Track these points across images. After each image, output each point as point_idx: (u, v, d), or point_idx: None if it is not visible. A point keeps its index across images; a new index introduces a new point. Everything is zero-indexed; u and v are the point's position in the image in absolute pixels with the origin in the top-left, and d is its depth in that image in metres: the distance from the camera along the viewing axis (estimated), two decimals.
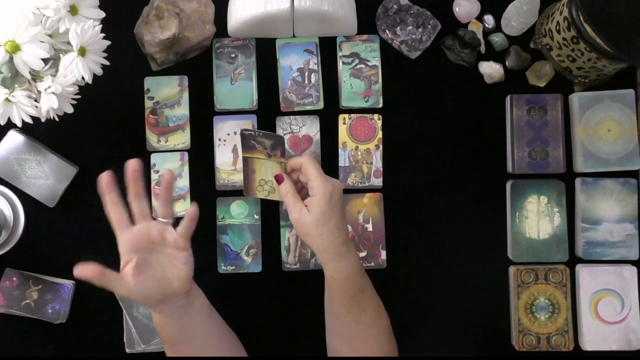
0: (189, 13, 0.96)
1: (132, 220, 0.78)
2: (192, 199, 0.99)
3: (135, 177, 0.78)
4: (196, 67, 1.00)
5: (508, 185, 0.99)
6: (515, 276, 0.97)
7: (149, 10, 0.95)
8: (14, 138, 0.96)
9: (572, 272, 0.98)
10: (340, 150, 1.00)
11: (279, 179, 0.86)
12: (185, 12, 0.96)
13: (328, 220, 0.81)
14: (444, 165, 1.00)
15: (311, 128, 1.00)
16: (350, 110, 1.00)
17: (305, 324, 0.99)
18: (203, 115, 1.00)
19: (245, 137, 0.89)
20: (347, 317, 0.83)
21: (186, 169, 0.99)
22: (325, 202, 0.80)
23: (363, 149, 1.00)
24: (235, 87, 1.00)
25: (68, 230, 0.98)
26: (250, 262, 0.99)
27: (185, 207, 0.99)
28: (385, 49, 1.00)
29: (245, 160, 0.90)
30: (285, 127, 1.00)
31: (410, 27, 0.98)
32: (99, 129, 0.99)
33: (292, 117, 1.00)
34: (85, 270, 0.74)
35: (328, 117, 1.00)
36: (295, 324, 0.99)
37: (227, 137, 0.99)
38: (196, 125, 1.00)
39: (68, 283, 0.96)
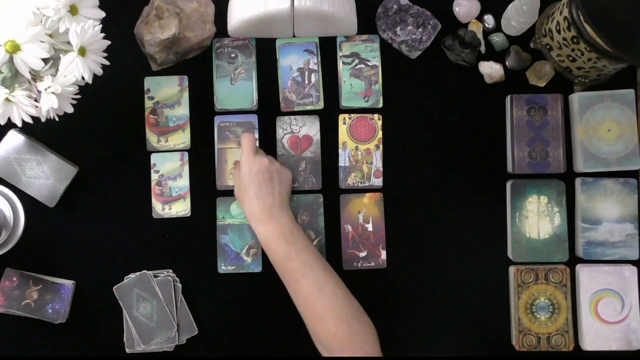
0: (189, 13, 0.96)
1: None
2: (192, 199, 0.99)
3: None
4: (196, 67, 1.00)
5: (508, 185, 0.99)
6: (515, 276, 0.97)
7: (149, 10, 0.95)
8: (14, 138, 0.96)
9: (572, 272, 0.98)
10: (340, 150, 1.00)
11: (235, 165, 0.95)
12: (185, 12, 0.96)
13: (247, 189, 0.90)
14: (444, 165, 1.00)
15: (311, 128, 1.00)
16: (350, 110, 1.00)
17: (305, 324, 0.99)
18: (203, 115, 1.00)
19: (221, 129, 0.96)
20: (289, 289, 0.89)
21: (186, 169, 0.99)
22: (245, 173, 0.90)
23: (363, 149, 1.00)
24: (235, 87, 1.00)
25: (68, 230, 0.98)
26: (250, 262, 0.99)
27: (185, 207, 0.99)
28: (385, 49, 1.00)
29: (220, 152, 0.96)
30: (285, 127, 1.00)
31: (410, 27, 0.98)
32: (99, 129, 0.99)
33: (292, 117, 1.00)
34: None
35: (328, 117, 1.00)
36: (295, 324, 0.99)
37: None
38: (196, 125, 1.00)
39: (68, 283, 0.96)
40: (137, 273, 0.97)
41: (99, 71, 0.84)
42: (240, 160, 0.92)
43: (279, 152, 1.00)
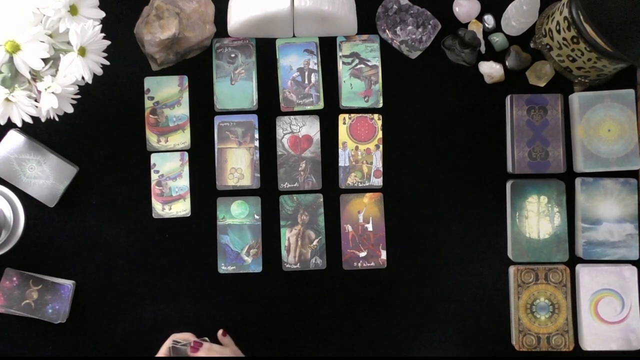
0: (189, 13, 0.96)
1: None
2: (192, 199, 0.99)
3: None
4: (196, 67, 1.00)
5: (508, 185, 0.99)
6: (515, 276, 0.97)
7: (149, 10, 0.95)
8: (14, 138, 0.96)
9: (572, 272, 0.98)
10: (340, 150, 1.00)
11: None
12: (185, 12, 0.96)
13: None
14: (444, 165, 1.00)
15: (311, 128, 1.00)
16: (350, 110, 1.00)
17: (305, 324, 0.99)
18: (203, 115, 1.00)
19: (221, 129, 0.96)
20: None
21: (186, 169, 0.99)
22: None
23: (363, 149, 1.00)
24: (235, 87, 1.00)
25: (68, 230, 0.98)
26: (251, 262, 0.99)
27: (185, 207, 0.99)
28: (385, 49, 1.01)
29: (220, 152, 0.96)
30: (285, 127, 1.00)
31: (410, 27, 0.98)
32: (99, 129, 0.99)
33: (292, 117, 1.00)
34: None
35: (328, 117, 1.00)
36: (295, 324, 0.99)
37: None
38: (196, 125, 1.00)
39: (68, 283, 0.96)
40: None
41: (99, 71, 0.84)
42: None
43: (279, 152, 1.00)
